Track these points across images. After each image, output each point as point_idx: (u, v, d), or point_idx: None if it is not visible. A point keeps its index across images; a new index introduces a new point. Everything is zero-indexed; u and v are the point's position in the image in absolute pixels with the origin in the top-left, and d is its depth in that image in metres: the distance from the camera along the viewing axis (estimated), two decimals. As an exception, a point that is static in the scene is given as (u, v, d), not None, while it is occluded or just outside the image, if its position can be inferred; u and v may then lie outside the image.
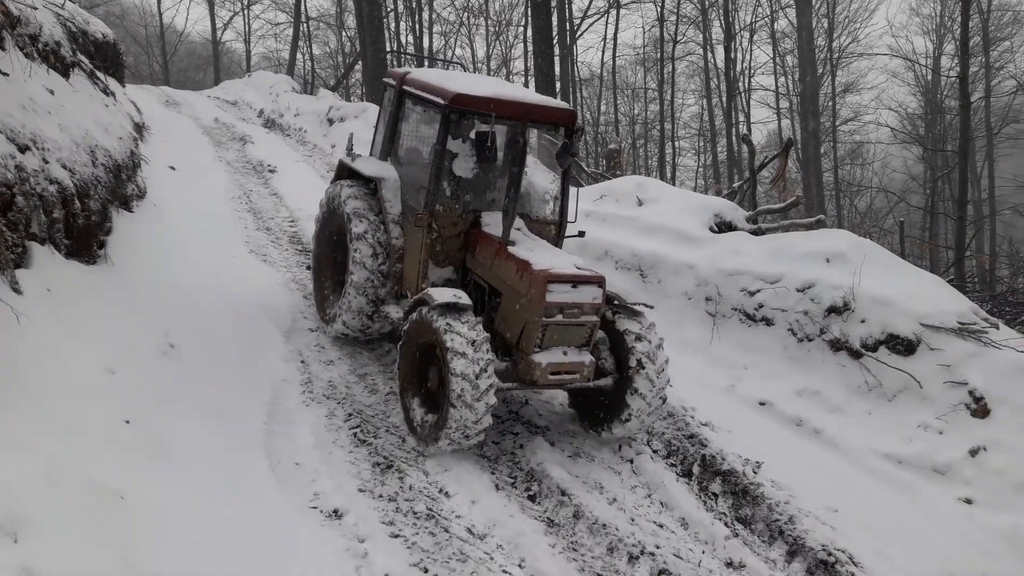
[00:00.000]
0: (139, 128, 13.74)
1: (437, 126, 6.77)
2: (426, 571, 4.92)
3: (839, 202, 32.98)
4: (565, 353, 6.19)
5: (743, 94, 34.78)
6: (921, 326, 7.82)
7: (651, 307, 6.91)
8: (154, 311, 6.98)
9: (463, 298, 6.03)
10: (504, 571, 5.04)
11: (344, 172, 8.08)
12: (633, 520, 5.84)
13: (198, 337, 6.98)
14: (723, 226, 10.66)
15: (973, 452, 6.97)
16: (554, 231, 7.37)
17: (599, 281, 6.20)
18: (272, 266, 9.74)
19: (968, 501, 6.70)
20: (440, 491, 5.74)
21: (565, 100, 25.35)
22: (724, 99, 32.89)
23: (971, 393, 7.31)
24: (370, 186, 7.62)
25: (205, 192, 12.44)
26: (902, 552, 5.93)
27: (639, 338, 6.43)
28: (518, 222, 6.92)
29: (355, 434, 6.27)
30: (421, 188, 7.01)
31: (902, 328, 7.86)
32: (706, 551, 5.63)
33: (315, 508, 5.27)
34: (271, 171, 14.80)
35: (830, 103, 34.38)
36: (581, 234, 7.71)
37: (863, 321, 8.06)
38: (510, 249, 6.45)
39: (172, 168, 13.01)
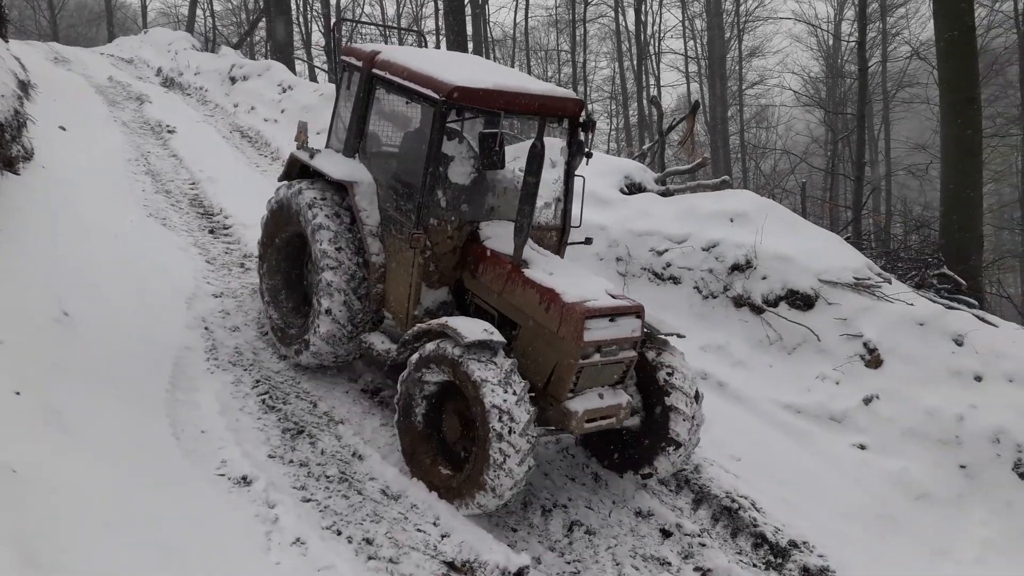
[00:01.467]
0: (24, 86, 12.92)
1: (426, 123, 5.75)
2: (339, 533, 4.89)
3: (745, 164, 33.86)
4: (601, 396, 5.44)
5: (653, 57, 35.16)
6: (819, 282, 8.14)
7: (683, 336, 6.04)
8: (45, 278, 6.64)
9: (495, 334, 5.19)
10: (419, 530, 5.06)
11: (296, 169, 6.92)
12: (547, 475, 5.93)
13: (94, 304, 6.68)
14: (633, 188, 10.80)
15: (867, 401, 7.33)
16: (555, 237, 6.47)
17: (638, 311, 5.47)
18: (172, 230, 9.38)
19: (862, 447, 7.07)
20: (354, 455, 5.69)
21: (477, 61, 24.99)
22: (635, 62, 33.18)
23: (865, 345, 7.68)
24: (333, 187, 6.47)
25: (99, 154, 11.83)
26: (801, 497, 6.23)
27: (674, 371, 5.76)
28: (508, 227, 5.99)
29: (263, 400, 6.14)
30: (402, 193, 6.04)
31: (801, 284, 8.16)
32: (616, 502, 5.78)
33: (223, 475, 5.15)
34: (170, 132, 14.19)
35: (737, 67, 35.10)
36: (588, 241, 6.79)
37: (765, 278, 8.34)
38: (527, 273, 5.56)
39: (62, 128, 12.31)
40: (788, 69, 36.74)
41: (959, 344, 7.56)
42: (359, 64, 6.43)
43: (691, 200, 9.75)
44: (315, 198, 6.33)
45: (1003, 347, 7.59)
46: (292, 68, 20.79)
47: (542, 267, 5.66)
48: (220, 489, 5.02)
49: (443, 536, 5.04)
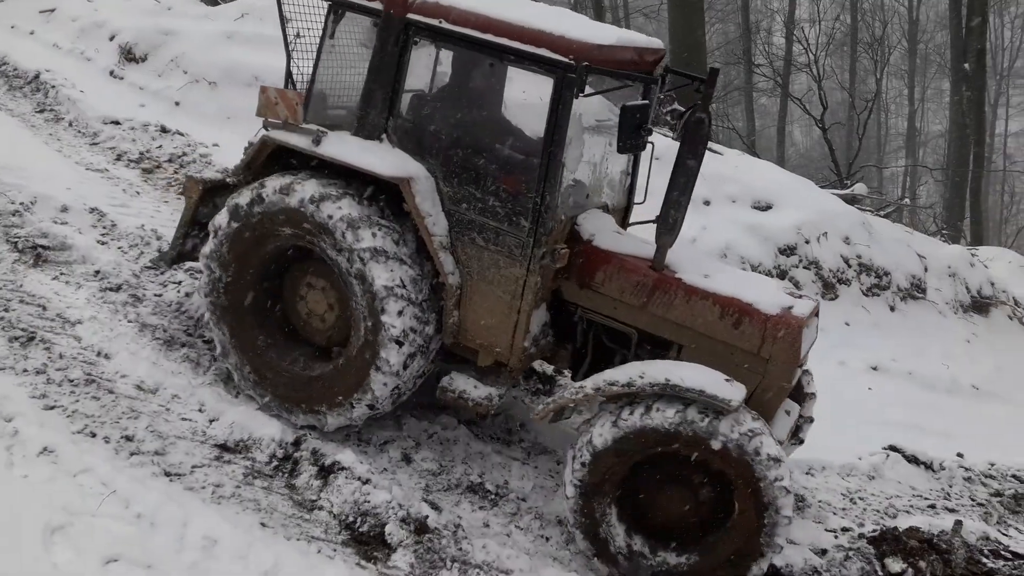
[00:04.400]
0: None
1: (538, 94, 4.60)
2: (94, 435, 4.60)
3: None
4: (788, 412, 4.80)
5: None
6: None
7: None
8: None
9: (737, 383, 4.20)
10: (184, 419, 4.92)
11: (265, 155, 4.99)
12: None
13: None
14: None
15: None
16: (618, 218, 5.46)
17: (817, 309, 4.77)
18: None
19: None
20: (99, 355, 5.27)
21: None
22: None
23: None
24: (344, 181, 4.73)
25: None
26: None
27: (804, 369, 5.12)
28: (604, 217, 5.05)
29: (-20, 311, 5.46)
30: (492, 189, 4.62)
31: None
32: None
33: (-57, 399, 4.60)
34: None
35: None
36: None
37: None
38: (687, 280, 4.60)
39: None
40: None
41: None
42: (376, 7, 4.73)
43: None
44: (351, 209, 4.59)
45: (727, 172, 8.40)
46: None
47: (688, 268, 4.72)
48: (-60, 413, 4.49)
49: (211, 421, 4.94)
